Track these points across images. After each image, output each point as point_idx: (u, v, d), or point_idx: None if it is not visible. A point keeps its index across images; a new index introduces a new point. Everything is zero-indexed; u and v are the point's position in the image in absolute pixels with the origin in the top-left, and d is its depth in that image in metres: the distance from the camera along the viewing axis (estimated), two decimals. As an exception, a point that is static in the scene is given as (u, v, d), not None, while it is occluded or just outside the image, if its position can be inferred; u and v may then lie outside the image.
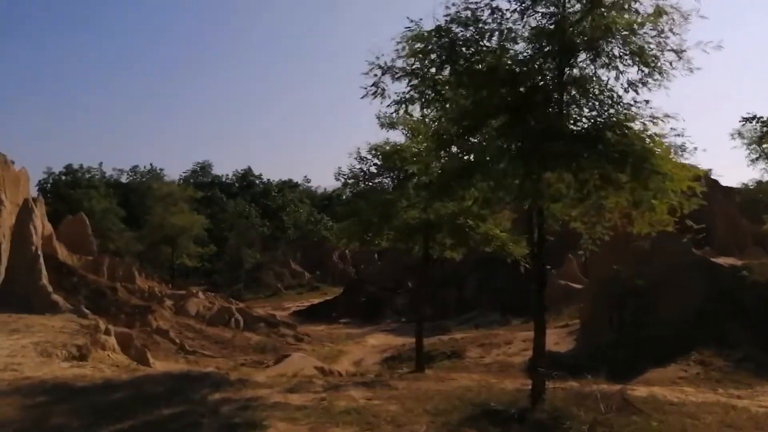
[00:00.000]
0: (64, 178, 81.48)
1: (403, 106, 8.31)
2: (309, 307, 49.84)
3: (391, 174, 14.33)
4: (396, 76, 8.22)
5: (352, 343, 32.95)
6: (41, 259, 18.29)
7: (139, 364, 18.84)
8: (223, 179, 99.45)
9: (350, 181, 14.38)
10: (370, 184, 14.59)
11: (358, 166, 14.34)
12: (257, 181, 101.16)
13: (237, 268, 67.58)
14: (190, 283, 63.46)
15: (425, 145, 11.11)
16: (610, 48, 7.84)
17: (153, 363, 19.69)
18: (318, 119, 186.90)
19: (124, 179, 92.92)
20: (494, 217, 14.12)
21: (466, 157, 8.24)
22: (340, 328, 39.99)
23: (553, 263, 37.06)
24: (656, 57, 7.97)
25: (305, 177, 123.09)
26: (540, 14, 8.12)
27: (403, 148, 14.42)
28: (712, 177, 28.88)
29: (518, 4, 8.15)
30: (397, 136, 18.12)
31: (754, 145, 20.93)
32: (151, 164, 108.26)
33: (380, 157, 14.41)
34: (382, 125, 15.40)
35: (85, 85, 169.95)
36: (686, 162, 8.18)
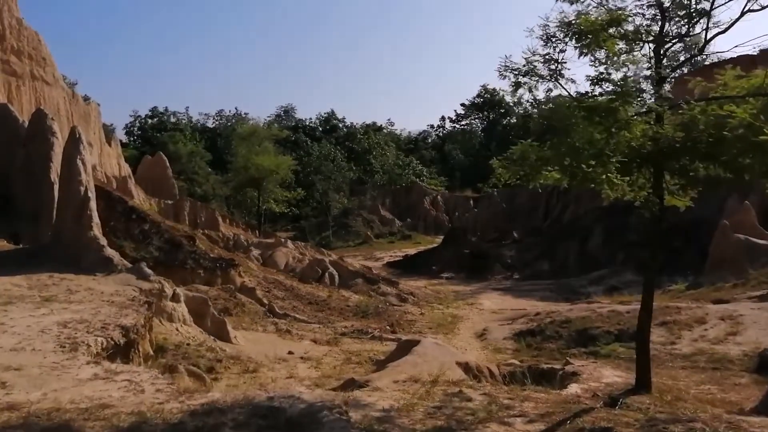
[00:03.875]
0: (150, 121, 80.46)
1: None
2: (404, 258, 45.13)
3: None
4: None
5: (463, 304, 27.81)
6: (92, 203, 14.13)
7: (217, 339, 14.59)
8: (307, 123, 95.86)
9: (528, 79, 8.43)
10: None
11: (543, 51, 8.44)
12: (340, 125, 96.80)
13: (324, 214, 63.88)
14: (277, 229, 60.72)
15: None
16: None
17: (234, 336, 15.40)
18: (399, 60, 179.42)
19: (210, 124, 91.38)
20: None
21: None
22: (444, 284, 34.98)
23: (715, 211, 29.86)
24: None
25: (389, 120, 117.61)
26: None
27: (623, 17, 8.41)
28: None
29: None
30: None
31: None
32: (236, 108, 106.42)
33: (577, 37, 8.47)
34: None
35: (172, 30, 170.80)
36: None
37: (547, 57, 8.60)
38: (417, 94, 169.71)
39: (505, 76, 8.70)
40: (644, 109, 8.51)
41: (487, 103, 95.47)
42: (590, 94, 8.54)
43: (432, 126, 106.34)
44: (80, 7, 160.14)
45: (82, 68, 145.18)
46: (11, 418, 5.78)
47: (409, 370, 10.29)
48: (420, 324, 22.65)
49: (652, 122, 8.38)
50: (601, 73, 8.80)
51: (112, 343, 9.15)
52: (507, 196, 58.84)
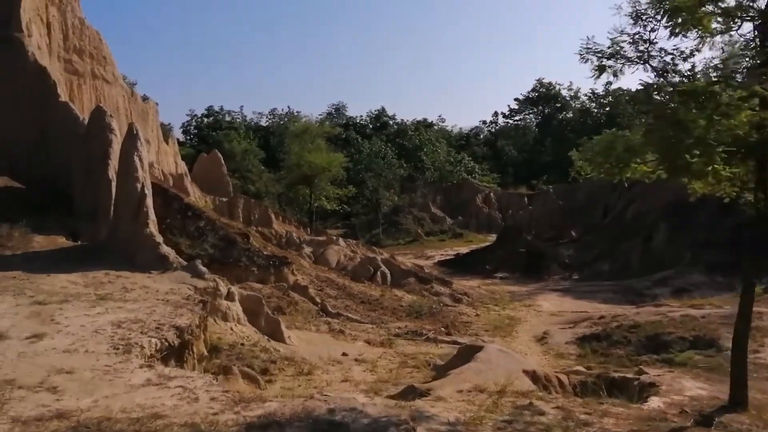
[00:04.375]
0: (206, 120, 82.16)
1: None
2: (456, 257, 44.19)
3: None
4: None
5: (520, 305, 26.84)
6: (148, 200, 14.08)
7: (271, 338, 14.31)
8: (357, 120, 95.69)
9: (613, 62, 7.55)
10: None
11: (633, 31, 7.57)
12: (391, 122, 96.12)
13: (375, 211, 63.51)
14: (327, 226, 60.75)
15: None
16: None
17: (288, 336, 15.09)
18: (450, 56, 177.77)
19: (263, 122, 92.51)
20: None
21: None
22: (498, 284, 33.91)
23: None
24: None
25: (439, 116, 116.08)
26: None
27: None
28: None
29: None
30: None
31: None
32: (288, 106, 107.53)
33: (670, 14, 7.52)
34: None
35: (227, 32, 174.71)
36: None
37: (636, 37, 7.72)
38: (468, 90, 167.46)
39: (587, 60, 7.87)
40: (746, 93, 7.52)
41: (542, 97, 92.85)
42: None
43: (484, 122, 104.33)
44: (142, 9, 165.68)
45: (141, 69, 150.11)
46: (60, 428, 5.48)
47: (473, 379, 9.65)
48: (476, 326, 21.89)
49: (757, 108, 7.41)
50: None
51: (167, 344, 8.89)
52: (563, 193, 56.97)
